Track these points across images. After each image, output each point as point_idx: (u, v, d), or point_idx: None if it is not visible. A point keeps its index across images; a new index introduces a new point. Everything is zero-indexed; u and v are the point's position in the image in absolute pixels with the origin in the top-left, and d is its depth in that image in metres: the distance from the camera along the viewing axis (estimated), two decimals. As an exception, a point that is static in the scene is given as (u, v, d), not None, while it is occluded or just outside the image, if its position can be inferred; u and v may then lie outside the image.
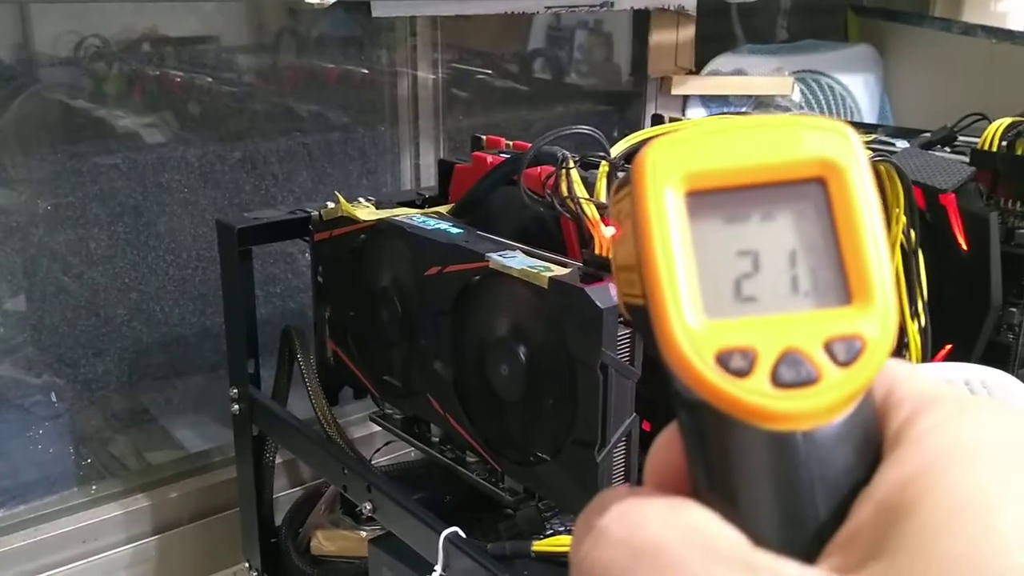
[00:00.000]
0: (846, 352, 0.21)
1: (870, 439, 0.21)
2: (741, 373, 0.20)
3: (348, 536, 0.96)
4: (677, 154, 0.21)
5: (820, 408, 0.20)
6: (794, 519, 0.21)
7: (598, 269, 0.64)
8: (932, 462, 0.20)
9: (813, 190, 0.22)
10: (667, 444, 0.23)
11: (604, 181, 0.67)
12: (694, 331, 0.21)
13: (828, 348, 0.21)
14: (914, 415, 0.21)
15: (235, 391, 0.91)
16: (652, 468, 0.24)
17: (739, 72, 1.44)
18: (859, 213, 0.21)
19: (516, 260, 0.67)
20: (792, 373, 0.20)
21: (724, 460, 0.21)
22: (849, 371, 0.21)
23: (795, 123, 0.22)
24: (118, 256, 1.07)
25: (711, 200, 0.21)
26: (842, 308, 0.21)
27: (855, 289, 0.21)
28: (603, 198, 0.67)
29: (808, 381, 0.20)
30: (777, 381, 0.20)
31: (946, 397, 0.22)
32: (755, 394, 0.20)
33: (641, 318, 0.22)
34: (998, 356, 0.81)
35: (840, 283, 0.21)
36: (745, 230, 0.22)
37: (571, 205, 0.66)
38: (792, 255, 0.22)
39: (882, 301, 0.21)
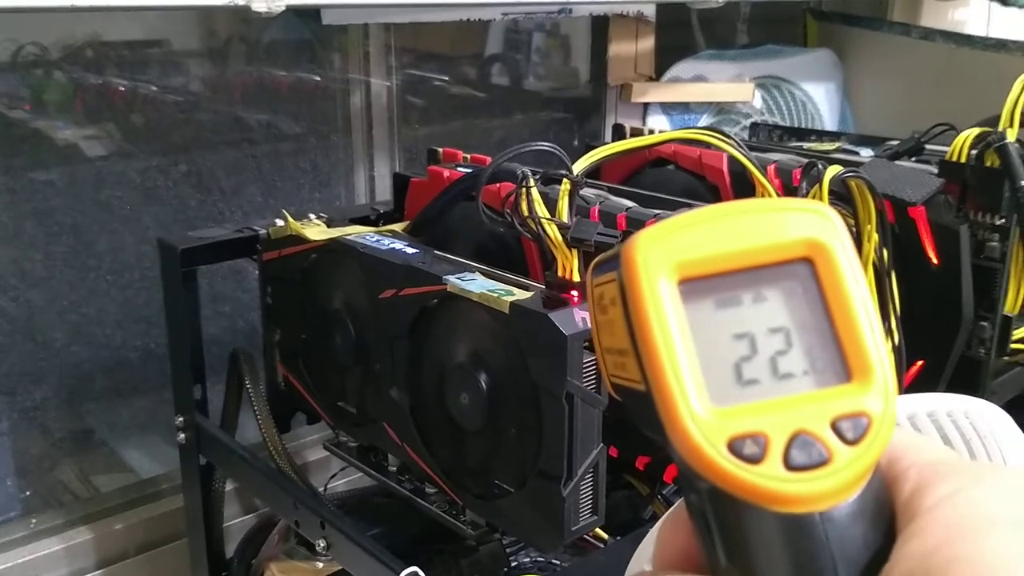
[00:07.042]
0: (854, 430, 0.21)
1: (883, 511, 0.22)
2: (754, 459, 0.21)
3: (303, 568, 0.91)
4: (666, 244, 0.22)
5: (835, 488, 0.21)
6: None
7: (561, 293, 0.61)
8: (952, 533, 0.20)
9: (801, 270, 0.22)
10: (673, 527, 0.24)
11: (566, 200, 0.63)
12: (703, 420, 0.21)
13: (835, 427, 0.21)
14: (923, 485, 0.22)
15: (180, 419, 0.86)
16: (663, 551, 0.24)
17: (700, 78, 1.42)
18: (848, 289, 0.22)
19: (475, 283, 0.64)
20: (804, 456, 0.21)
21: (743, 542, 0.21)
22: (858, 448, 0.21)
23: (777, 206, 0.23)
24: (55, 277, 1.02)
25: (702, 286, 0.22)
26: (843, 386, 0.22)
27: (853, 366, 0.22)
28: (564, 217, 0.64)
29: (820, 462, 0.21)
30: (790, 464, 0.21)
31: (953, 465, 0.22)
32: (771, 479, 0.21)
33: (640, 403, 0.22)
34: (969, 371, 0.79)
35: (838, 360, 0.22)
36: (739, 313, 0.22)
37: (532, 225, 0.63)
38: (787, 335, 0.22)
39: (881, 376, 0.22)
